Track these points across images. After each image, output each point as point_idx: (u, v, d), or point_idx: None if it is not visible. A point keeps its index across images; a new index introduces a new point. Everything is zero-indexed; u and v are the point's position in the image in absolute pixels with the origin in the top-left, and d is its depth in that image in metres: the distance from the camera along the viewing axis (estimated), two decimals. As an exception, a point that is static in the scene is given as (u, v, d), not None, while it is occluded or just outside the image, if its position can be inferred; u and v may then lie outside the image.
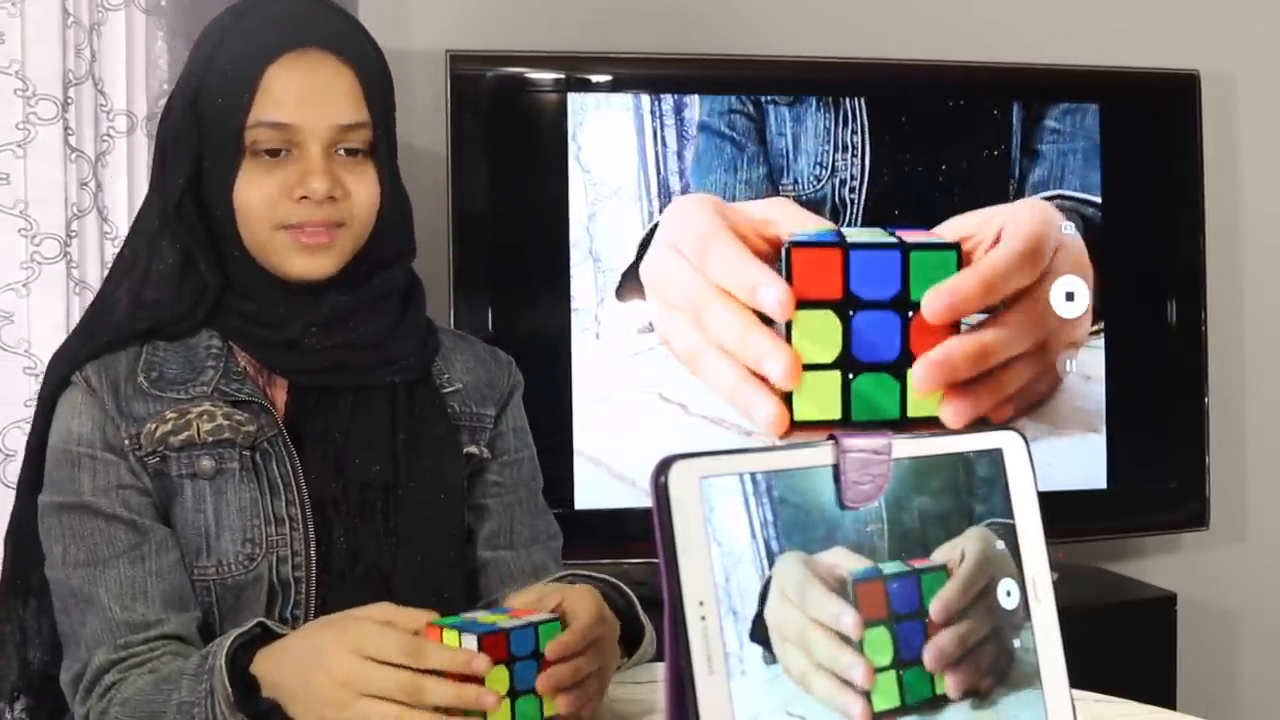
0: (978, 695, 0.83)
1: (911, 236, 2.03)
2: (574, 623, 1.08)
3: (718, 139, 2.20)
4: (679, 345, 2.12)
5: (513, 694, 1.05)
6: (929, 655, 0.81)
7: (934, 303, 1.96)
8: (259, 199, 1.25)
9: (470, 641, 1.04)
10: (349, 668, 1.02)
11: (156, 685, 1.13)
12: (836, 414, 2.00)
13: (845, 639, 0.79)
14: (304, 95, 1.24)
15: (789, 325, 1.99)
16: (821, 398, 2.00)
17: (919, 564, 0.83)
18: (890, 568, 0.82)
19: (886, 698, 0.80)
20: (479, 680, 1.03)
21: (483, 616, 1.08)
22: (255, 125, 1.24)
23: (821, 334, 1.99)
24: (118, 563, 1.21)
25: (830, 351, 2.00)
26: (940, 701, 0.82)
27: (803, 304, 1.99)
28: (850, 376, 2.00)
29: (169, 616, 1.20)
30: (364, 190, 1.27)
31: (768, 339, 1.99)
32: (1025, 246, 2.06)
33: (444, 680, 1.02)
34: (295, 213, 1.25)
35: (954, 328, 2.00)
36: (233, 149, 1.24)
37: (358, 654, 1.02)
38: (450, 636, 1.05)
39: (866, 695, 0.79)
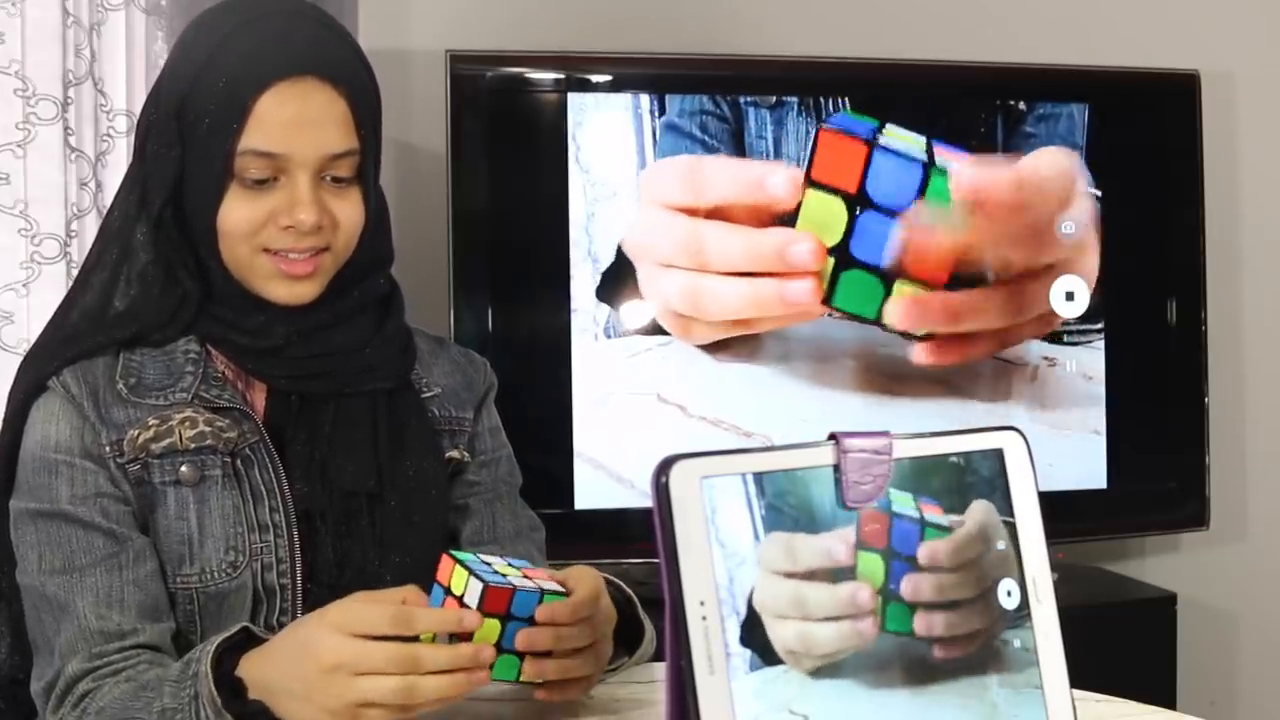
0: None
1: (946, 156, 2.05)
2: (571, 595, 1.09)
3: (688, 140, 2.20)
4: (676, 290, 2.12)
5: (497, 648, 1.06)
6: (906, 585, 0.82)
7: None
8: (244, 224, 1.23)
9: (476, 587, 1.05)
10: (337, 649, 1.01)
11: (136, 693, 1.11)
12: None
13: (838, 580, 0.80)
14: (296, 125, 1.21)
15: (797, 210, 2.01)
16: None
17: (928, 511, 0.83)
18: (901, 505, 0.82)
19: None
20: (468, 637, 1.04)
21: (498, 565, 1.09)
22: (245, 153, 1.21)
23: (826, 219, 2.00)
24: (94, 571, 1.19)
25: (831, 238, 2.01)
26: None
27: (815, 184, 2.00)
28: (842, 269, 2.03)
29: (144, 626, 1.18)
30: (350, 215, 1.26)
31: (781, 232, 2.03)
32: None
33: (438, 646, 1.02)
34: (280, 240, 1.23)
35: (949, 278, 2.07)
36: (219, 173, 1.22)
37: (344, 633, 1.01)
38: (459, 576, 1.06)
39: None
